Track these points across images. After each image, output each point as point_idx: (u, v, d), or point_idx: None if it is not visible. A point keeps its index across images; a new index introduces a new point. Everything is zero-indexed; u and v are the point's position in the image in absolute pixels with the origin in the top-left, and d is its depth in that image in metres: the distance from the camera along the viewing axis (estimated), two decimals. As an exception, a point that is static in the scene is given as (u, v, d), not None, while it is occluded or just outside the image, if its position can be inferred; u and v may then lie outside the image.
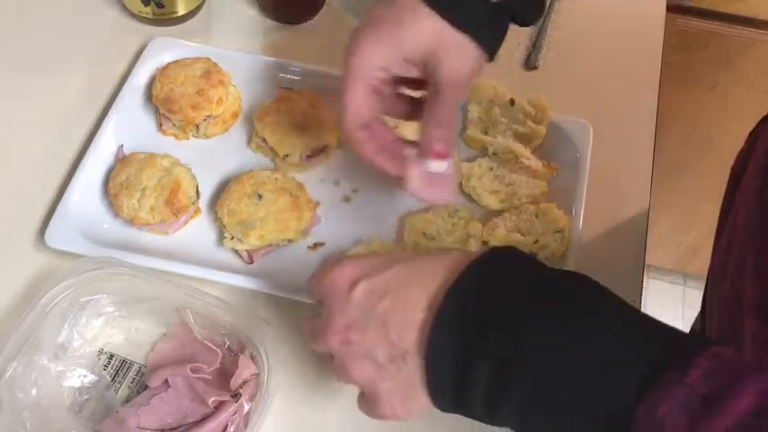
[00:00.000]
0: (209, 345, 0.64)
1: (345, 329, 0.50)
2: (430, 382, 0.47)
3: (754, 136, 0.68)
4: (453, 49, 0.57)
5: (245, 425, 0.60)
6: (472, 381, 0.45)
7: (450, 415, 0.49)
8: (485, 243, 0.72)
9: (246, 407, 0.61)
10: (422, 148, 0.59)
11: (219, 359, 0.63)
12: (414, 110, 0.64)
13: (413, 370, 0.48)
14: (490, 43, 0.60)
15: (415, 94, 0.64)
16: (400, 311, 0.48)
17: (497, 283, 0.46)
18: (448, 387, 0.46)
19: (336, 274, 0.51)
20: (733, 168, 0.71)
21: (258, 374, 0.62)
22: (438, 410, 0.50)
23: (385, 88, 0.61)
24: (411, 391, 0.49)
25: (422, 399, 0.49)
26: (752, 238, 0.58)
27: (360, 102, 0.59)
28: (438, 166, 0.59)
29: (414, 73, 0.60)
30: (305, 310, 0.68)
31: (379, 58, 0.58)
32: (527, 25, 0.64)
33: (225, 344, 0.65)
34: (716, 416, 0.38)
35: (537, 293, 0.45)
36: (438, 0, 0.57)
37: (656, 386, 0.39)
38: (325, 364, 0.67)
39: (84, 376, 0.64)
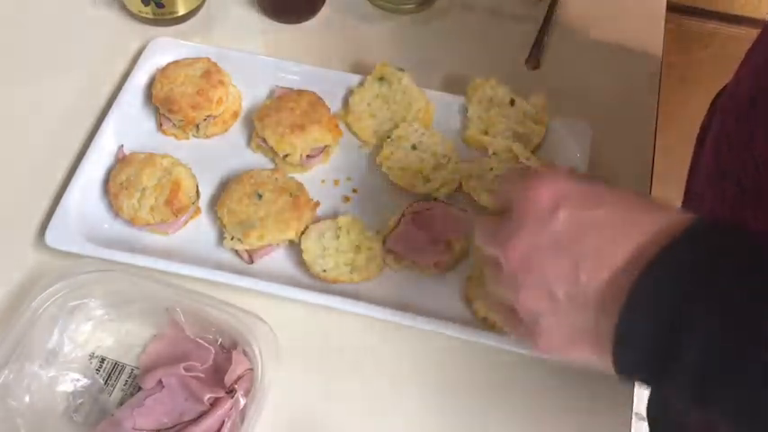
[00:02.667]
0: (201, 342, 0.64)
1: (531, 251, 0.46)
2: (623, 335, 0.43)
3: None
4: None
5: (242, 420, 0.60)
6: (681, 348, 0.40)
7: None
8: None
9: (242, 402, 0.61)
10: None
11: (212, 356, 0.63)
12: None
13: (590, 317, 0.45)
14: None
15: None
16: (599, 257, 0.44)
17: (718, 258, 0.41)
18: (645, 347, 0.42)
19: (543, 189, 0.47)
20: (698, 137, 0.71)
21: (252, 369, 0.62)
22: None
23: None
24: (576, 334, 0.46)
25: (584, 345, 0.46)
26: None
27: None
28: None
29: None
30: (305, 309, 0.69)
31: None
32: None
33: (217, 341, 0.65)
34: None
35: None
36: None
37: None
38: (322, 359, 0.67)
39: (77, 381, 0.64)
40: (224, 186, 0.74)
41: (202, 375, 0.63)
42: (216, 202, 0.73)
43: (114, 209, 0.72)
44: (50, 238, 0.69)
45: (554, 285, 0.46)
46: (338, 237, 0.70)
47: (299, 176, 0.75)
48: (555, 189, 0.47)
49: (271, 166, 0.77)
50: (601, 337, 0.45)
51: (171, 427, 0.61)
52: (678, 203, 0.74)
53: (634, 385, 0.65)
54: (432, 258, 0.70)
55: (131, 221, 0.71)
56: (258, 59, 0.83)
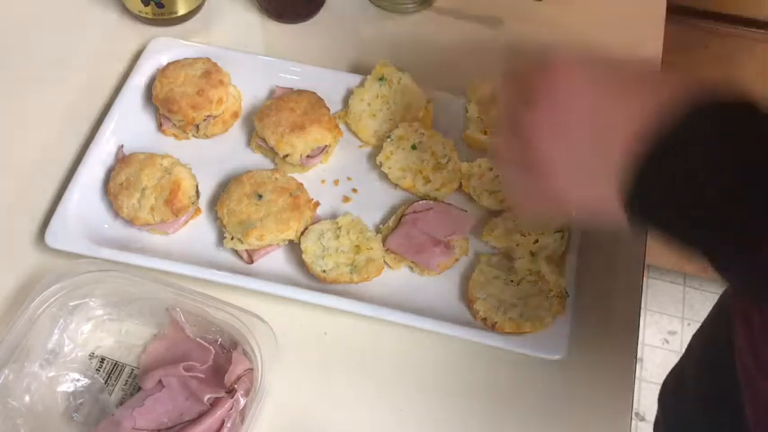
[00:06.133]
0: (201, 342, 0.64)
1: (568, 85, 0.47)
2: (643, 168, 0.43)
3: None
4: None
5: (242, 420, 0.60)
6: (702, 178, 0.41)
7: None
8: (483, 242, 0.73)
9: (242, 402, 0.61)
10: None
11: (212, 356, 0.63)
12: None
13: (609, 158, 0.44)
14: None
15: None
16: (622, 104, 0.45)
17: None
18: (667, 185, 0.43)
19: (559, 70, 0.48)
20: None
21: (252, 369, 0.62)
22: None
23: None
24: (588, 174, 0.46)
25: (593, 185, 0.46)
26: None
27: None
28: None
29: None
30: (305, 309, 0.69)
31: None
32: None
33: (217, 341, 0.65)
34: None
35: None
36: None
37: None
38: (322, 359, 0.67)
39: (78, 380, 0.64)
40: (224, 186, 0.74)
41: (202, 375, 0.63)
42: (216, 202, 0.73)
43: (114, 209, 0.72)
44: (50, 238, 0.69)
45: (577, 124, 0.46)
46: (338, 237, 0.70)
47: (299, 176, 0.75)
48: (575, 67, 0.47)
49: (271, 166, 0.77)
50: (615, 177, 0.44)
51: (171, 427, 0.61)
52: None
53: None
54: (432, 258, 0.70)
55: (131, 221, 0.71)
56: (258, 59, 0.83)
